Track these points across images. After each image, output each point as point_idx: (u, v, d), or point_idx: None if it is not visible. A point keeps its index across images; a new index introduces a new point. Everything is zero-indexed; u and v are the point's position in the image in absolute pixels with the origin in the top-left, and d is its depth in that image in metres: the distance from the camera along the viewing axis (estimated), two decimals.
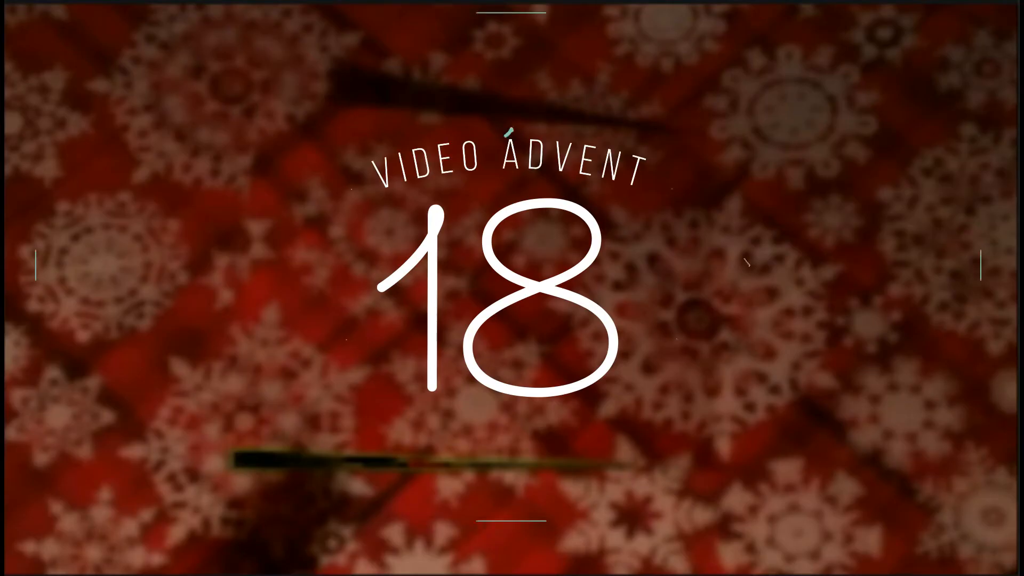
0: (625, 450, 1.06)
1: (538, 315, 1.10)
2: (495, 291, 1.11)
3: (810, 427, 1.06)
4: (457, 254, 1.12)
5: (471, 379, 1.08)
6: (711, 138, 1.14)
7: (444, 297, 1.11)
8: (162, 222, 1.15)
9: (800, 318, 1.08)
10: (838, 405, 1.06)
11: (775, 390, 1.06)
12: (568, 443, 1.06)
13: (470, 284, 1.11)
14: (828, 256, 1.10)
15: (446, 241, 1.12)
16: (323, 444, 1.07)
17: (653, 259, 1.11)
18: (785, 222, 1.11)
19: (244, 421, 1.08)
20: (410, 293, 1.11)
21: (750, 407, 1.06)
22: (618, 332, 1.09)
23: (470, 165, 1.14)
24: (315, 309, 1.11)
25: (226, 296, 1.12)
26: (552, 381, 1.08)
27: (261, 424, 1.08)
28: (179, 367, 1.10)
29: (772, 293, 1.09)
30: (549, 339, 1.09)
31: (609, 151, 1.14)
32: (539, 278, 1.11)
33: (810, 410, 1.06)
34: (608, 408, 1.07)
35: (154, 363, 1.11)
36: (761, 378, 1.07)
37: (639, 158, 1.14)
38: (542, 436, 1.07)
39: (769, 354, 1.07)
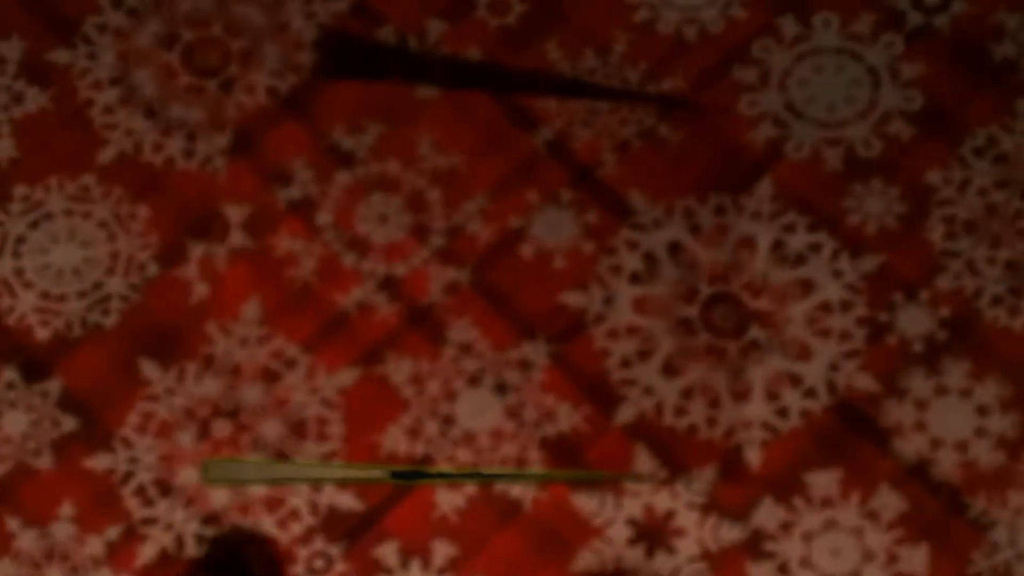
0: (644, 460, 1.05)
1: (547, 311, 1.10)
2: (500, 284, 1.11)
3: (849, 435, 1.05)
4: (458, 243, 1.12)
5: (473, 381, 1.08)
6: (739, 115, 1.14)
7: (443, 290, 1.11)
8: (130, 208, 1.14)
9: (838, 314, 1.08)
10: (880, 411, 1.06)
11: (810, 394, 1.06)
12: (581, 453, 1.06)
13: (472, 276, 1.11)
14: (869, 245, 1.10)
15: (445, 229, 1.12)
16: (309, 454, 1.07)
17: (675, 249, 1.10)
18: (822, 208, 1.11)
19: (221, 428, 1.08)
20: (405, 286, 1.11)
21: (783, 413, 1.06)
22: (636, 330, 1.09)
23: (472, 145, 1.13)
24: (300, 304, 1.11)
25: (201, 290, 1.12)
26: (562, 384, 1.08)
27: (240, 431, 1.08)
28: (149, 369, 1.10)
29: (807, 287, 1.09)
30: (559, 338, 1.09)
31: (626, 129, 1.13)
32: (549, 269, 1.11)
33: (849, 416, 1.06)
34: (625, 414, 1.07)
35: (121, 364, 1.10)
36: (795, 380, 1.07)
37: (660, 137, 1.14)
38: (552, 445, 1.07)
39: (804, 354, 1.07)
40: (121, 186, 1.15)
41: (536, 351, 1.10)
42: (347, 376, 1.10)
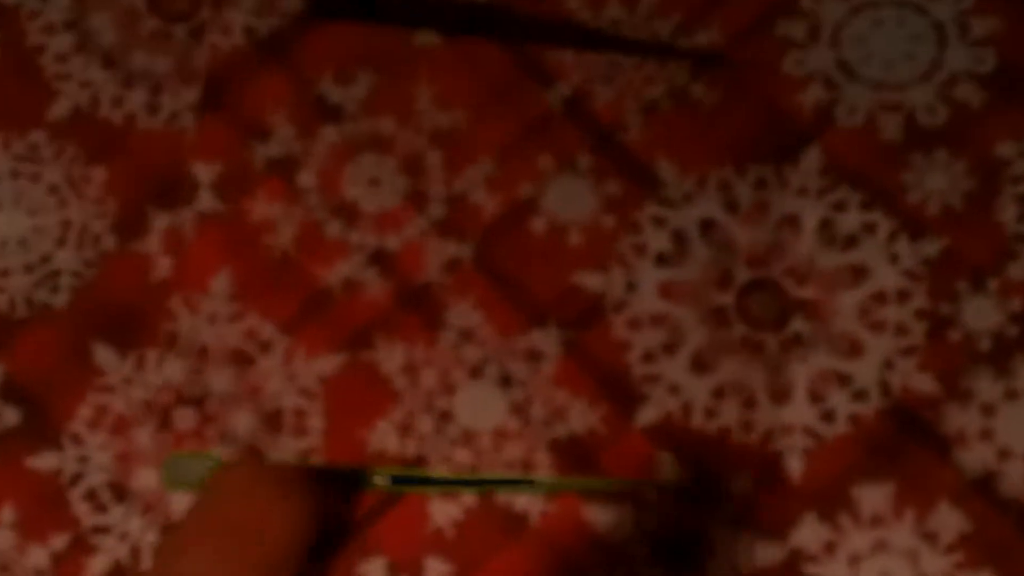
0: (668, 468, 1.03)
1: (560, 294, 1.07)
2: (507, 262, 1.08)
3: (904, 443, 1.02)
4: (459, 214, 1.09)
5: (475, 373, 1.05)
6: (784, 75, 1.11)
7: (442, 268, 1.07)
8: (85, 170, 1.12)
9: (894, 305, 1.05)
10: (941, 416, 1.03)
11: (860, 396, 1.03)
12: (596, 458, 1.03)
13: (475, 252, 1.08)
14: (931, 227, 1.07)
15: (445, 196, 1.09)
16: (285, 449, 1.04)
17: (708, 227, 1.07)
18: (877, 183, 1.08)
19: (185, 418, 1.05)
20: (399, 261, 1.08)
21: (828, 417, 1.03)
22: (662, 319, 1.06)
23: (477, 101, 1.11)
24: (277, 278, 1.08)
25: (165, 266, 1.09)
26: (576, 378, 1.05)
27: (206, 423, 1.04)
28: (104, 355, 1.08)
29: (858, 273, 1.06)
30: (573, 325, 1.06)
31: (654, 89, 1.11)
32: (563, 247, 1.08)
33: (905, 422, 1.03)
34: (647, 415, 1.04)
35: (72, 349, 1.08)
36: (843, 380, 1.04)
37: (692, 97, 1.11)
38: (563, 448, 1.03)
39: (854, 350, 1.04)
40: (75, 145, 1.13)
41: (547, 340, 1.06)
42: (330, 362, 1.06)
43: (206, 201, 1.10)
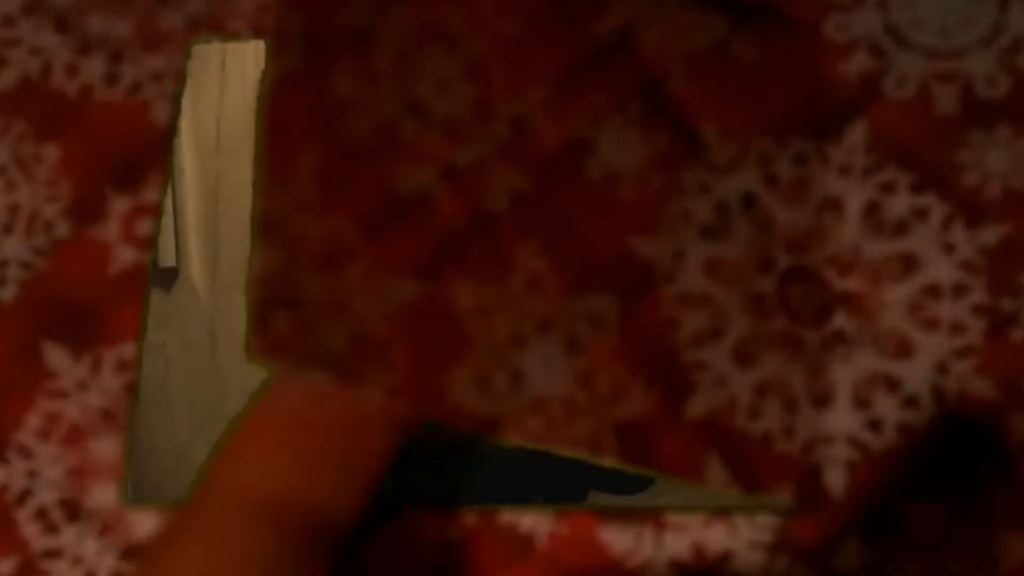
0: (716, 471, 0.97)
1: (615, 252, 1.00)
2: (566, 207, 1.01)
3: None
4: (523, 139, 1.02)
5: (543, 329, 0.98)
6: (827, 40, 1.04)
7: (508, 198, 1.00)
8: (35, 148, 1.06)
9: (949, 300, 0.99)
10: (1002, 426, 0.97)
11: (911, 402, 0.97)
12: (653, 448, 0.98)
13: (539, 188, 1.01)
14: (990, 212, 1.00)
15: (507, 115, 1.02)
16: (373, 380, 0.98)
17: (749, 201, 1.01)
18: (930, 162, 1.01)
19: (281, 322, 1.00)
20: (469, 179, 1.01)
21: (874, 425, 0.97)
22: (707, 299, 0.99)
23: (535, 13, 1.04)
24: (360, 168, 1.01)
25: (125, 256, 1.02)
26: (633, 354, 0.98)
27: (304, 333, 1.01)
28: (55, 356, 1.01)
29: (908, 263, 0.99)
30: (628, 292, 1.00)
31: (696, 37, 1.05)
32: (616, 198, 1.00)
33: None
34: (697, 406, 0.98)
35: (20, 350, 1.02)
36: (891, 384, 0.97)
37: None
38: (625, 431, 0.98)
39: (903, 350, 0.98)
40: (24, 120, 1.07)
41: (606, 304, 0.99)
42: (407, 288, 1.00)
43: (295, 60, 1.03)
